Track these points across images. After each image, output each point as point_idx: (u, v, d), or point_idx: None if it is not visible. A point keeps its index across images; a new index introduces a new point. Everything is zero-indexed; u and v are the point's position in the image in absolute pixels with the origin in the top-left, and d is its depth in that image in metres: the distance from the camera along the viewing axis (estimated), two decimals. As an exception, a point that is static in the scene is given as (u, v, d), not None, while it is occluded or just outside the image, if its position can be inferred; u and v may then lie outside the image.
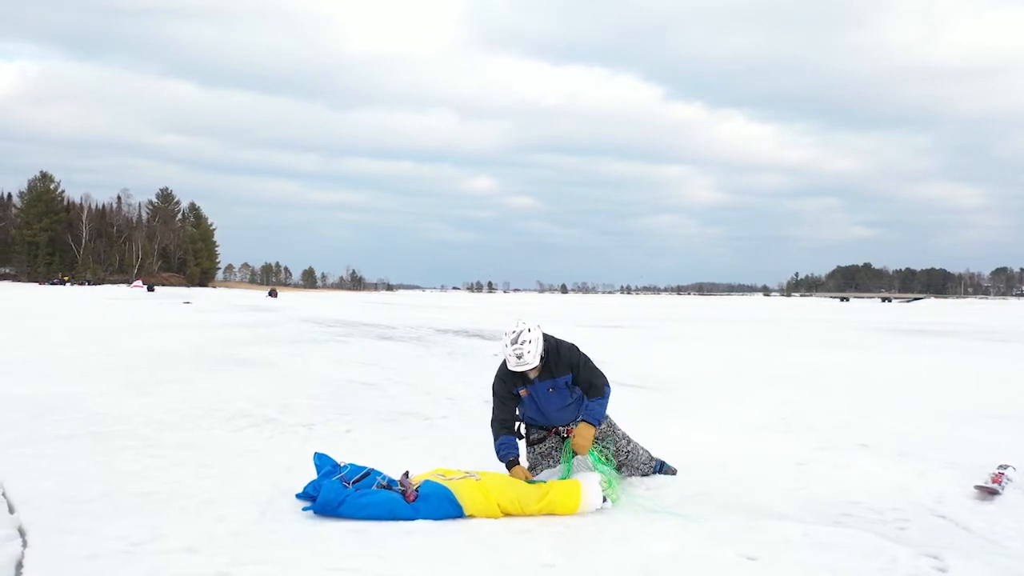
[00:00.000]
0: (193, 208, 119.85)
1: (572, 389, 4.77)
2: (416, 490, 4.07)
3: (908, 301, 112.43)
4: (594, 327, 24.20)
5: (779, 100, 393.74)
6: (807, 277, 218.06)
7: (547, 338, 4.77)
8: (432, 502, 4.01)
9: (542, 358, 4.68)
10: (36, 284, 74.99)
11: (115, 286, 71.26)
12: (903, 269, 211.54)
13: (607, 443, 4.90)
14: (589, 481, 4.37)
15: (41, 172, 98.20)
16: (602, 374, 4.79)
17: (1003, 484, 4.87)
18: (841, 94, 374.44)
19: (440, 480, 4.17)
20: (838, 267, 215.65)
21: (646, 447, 5.17)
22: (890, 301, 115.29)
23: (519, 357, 4.59)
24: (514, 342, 4.60)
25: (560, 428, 4.91)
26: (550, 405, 4.79)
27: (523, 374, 4.71)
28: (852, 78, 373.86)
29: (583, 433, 4.60)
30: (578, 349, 4.83)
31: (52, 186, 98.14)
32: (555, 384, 4.73)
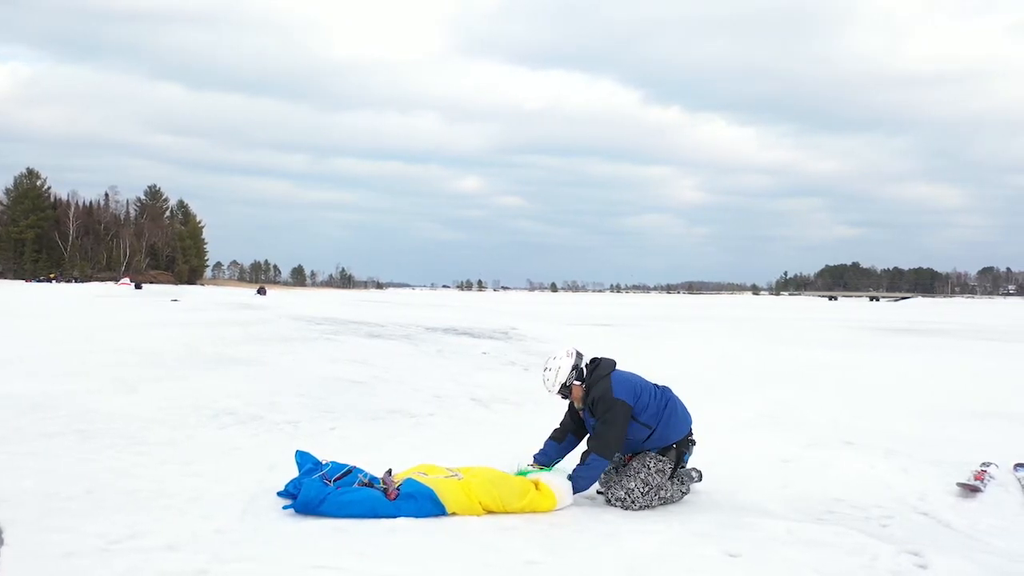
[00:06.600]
0: (181, 205, 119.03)
1: None
2: (398, 488, 4.06)
3: (896, 300, 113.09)
4: (584, 326, 24.21)
5: (756, 104, 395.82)
6: (796, 276, 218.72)
7: (596, 374, 4.55)
8: (414, 501, 4.00)
9: (565, 386, 4.57)
10: (22, 282, 74.20)
11: (102, 284, 70.36)
12: (891, 268, 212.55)
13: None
14: (558, 477, 4.41)
15: (27, 169, 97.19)
16: (611, 442, 4.38)
17: (985, 481, 4.91)
18: (815, 99, 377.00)
19: (422, 479, 4.16)
20: (826, 266, 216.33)
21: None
22: (878, 300, 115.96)
23: (544, 382, 4.65)
24: (544, 368, 4.67)
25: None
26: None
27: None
28: (823, 84, 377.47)
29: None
30: (609, 397, 4.41)
31: (39, 183, 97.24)
32: (588, 419, 4.64)
